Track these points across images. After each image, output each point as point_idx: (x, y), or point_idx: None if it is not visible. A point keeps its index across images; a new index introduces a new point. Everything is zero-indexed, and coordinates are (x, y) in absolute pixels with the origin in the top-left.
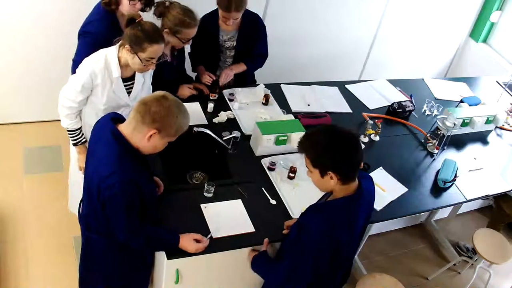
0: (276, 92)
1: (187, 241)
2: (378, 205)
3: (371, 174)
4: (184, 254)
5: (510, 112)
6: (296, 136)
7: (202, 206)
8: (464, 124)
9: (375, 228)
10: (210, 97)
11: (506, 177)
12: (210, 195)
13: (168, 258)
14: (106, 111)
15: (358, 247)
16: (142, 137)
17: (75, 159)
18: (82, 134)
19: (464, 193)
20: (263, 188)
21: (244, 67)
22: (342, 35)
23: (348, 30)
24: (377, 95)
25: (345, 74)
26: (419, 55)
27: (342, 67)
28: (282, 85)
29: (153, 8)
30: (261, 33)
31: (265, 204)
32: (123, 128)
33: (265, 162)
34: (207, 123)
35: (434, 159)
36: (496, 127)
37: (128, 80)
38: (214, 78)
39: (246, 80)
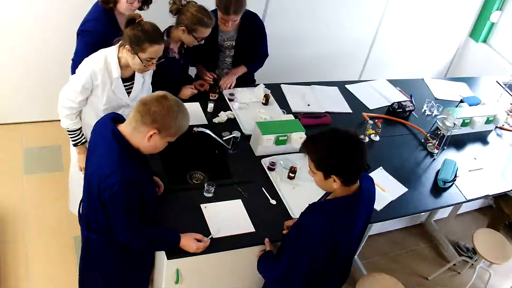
0: (276, 92)
1: (187, 240)
2: (378, 205)
3: (371, 174)
4: (184, 254)
5: (510, 112)
6: (296, 136)
7: (202, 206)
8: (464, 124)
9: (375, 228)
10: (210, 97)
11: (506, 177)
12: (210, 195)
13: (168, 258)
14: (106, 111)
15: (358, 247)
16: (142, 137)
17: (76, 159)
18: (82, 135)
19: (464, 193)
20: (263, 188)
21: (245, 70)
22: (342, 35)
23: (348, 30)
24: (377, 95)
25: (345, 74)
26: (419, 55)
27: (342, 67)
28: (282, 85)
29: (151, 7)
30: (261, 33)
31: (265, 204)
32: (123, 128)
33: (265, 162)
34: (207, 123)
35: (434, 159)
36: (496, 127)
37: (128, 80)
38: (215, 76)
39: (246, 80)
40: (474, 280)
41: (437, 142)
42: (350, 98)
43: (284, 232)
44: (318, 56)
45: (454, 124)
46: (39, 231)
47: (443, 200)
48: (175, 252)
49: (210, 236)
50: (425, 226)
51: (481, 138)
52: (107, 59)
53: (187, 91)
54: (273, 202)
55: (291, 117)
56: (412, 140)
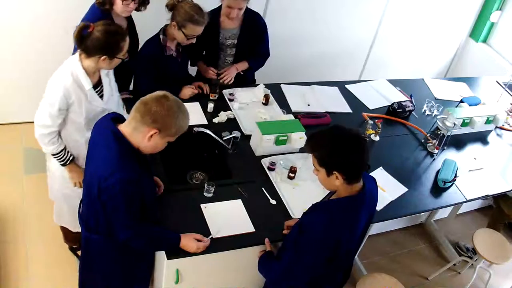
0: (276, 92)
1: (187, 240)
2: (378, 205)
3: (371, 174)
4: (184, 254)
5: (510, 112)
6: (296, 136)
7: (202, 206)
8: (464, 124)
9: (375, 228)
10: (210, 97)
11: (506, 177)
12: (210, 195)
13: (168, 258)
14: (88, 123)
15: (359, 248)
16: (142, 137)
17: (61, 178)
18: (68, 152)
19: (464, 193)
20: (263, 188)
21: (247, 65)
22: (342, 35)
23: (348, 30)
24: (377, 95)
25: (345, 74)
26: (419, 55)
27: (342, 67)
28: (282, 85)
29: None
30: (263, 32)
31: (265, 204)
32: (123, 128)
33: (265, 162)
34: (207, 123)
35: (434, 159)
36: (496, 127)
37: (96, 86)
38: (218, 72)
39: (246, 80)
40: (474, 280)
41: (437, 142)
42: (350, 98)
43: (285, 232)
44: (318, 56)
45: (454, 124)
46: (39, 231)
47: (443, 200)
48: (175, 252)
49: (210, 236)
50: (425, 226)
51: (481, 138)
52: (74, 74)
53: (187, 91)
54: (273, 202)
55: (291, 117)
56: (412, 140)
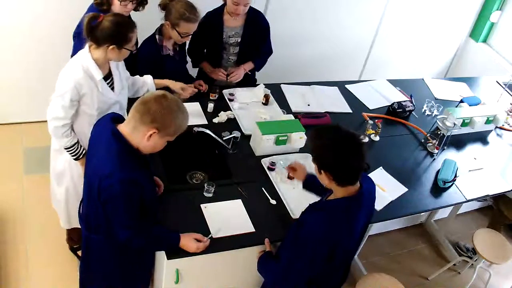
0: (276, 92)
1: (187, 241)
2: (378, 205)
3: (371, 174)
4: (184, 254)
5: (510, 112)
6: (296, 136)
7: (202, 206)
8: (464, 124)
9: (375, 228)
10: (210, 97)
11: (506, 177)
12: (210, 195)
13: (168, 258)
14: (100, 115)
15: (358, 248)
16: (141, 137)
17: (74, 175)
18: (81, 146)
19: (464, 193)
20: (263, 188)
21: (253, 65)
22: (342, 35)
23: (348, 30)
24: (377, 95)
25: (345, 74)
26: (419, 55)
27: (342, 67)
28: (282, 85)
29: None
30: (266, 30)
31: (265, 204)
32: (122, 127)
33: (265, 162)
34: (207, 123)
35: (434, 159)
36: (496, 127)
37: (107, 78)
38: (226, 73)
39: (251, 80)
40: (474, 280)
41: (437, 142)
42: (350, 98)
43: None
44: (318, 56)
45: (454, 124)
46: (39, 231)
47: (443, 200)
48: (175, 252)
49: (209, 236)
50: (425, 226)
51: (481, 138)
52: (84, 65)
53: (188, 90)
54: (273, 202)
55: (291, 117)
56: (412, 140)
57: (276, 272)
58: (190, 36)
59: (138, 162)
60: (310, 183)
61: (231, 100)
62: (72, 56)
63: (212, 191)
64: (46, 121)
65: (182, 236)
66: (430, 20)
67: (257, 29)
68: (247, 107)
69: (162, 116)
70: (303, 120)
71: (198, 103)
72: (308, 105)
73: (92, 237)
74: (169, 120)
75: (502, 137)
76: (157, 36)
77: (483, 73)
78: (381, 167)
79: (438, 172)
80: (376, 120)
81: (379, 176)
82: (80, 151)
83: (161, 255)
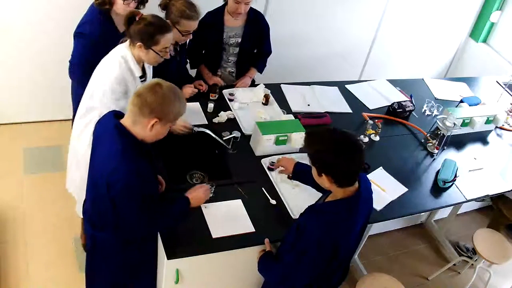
0: (276, 92)
1: (195, 196)
2: (378, 205)
3: (371, 174)
4: (184, 254)
5: (510, 112)
6: (296, 136)
7: (202, 206)
8: (464, 124)
9: (375, 228)
10: (210, 97)
11: (506, 177)
12: (210, 195)
13: (168, 258)
14: None
15: (357, 248)
16: (143, 128)
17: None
18: None
19: (464, 193)
20: (263, 188)
21: (256, 72)
22: (342, 35)
23: (348, 30)
24: (377, 95)
25: (345, 74)
26: (419, 55)
27: (342, 67)
28: (282, 85)
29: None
30: (266, 30)
31: (265, 204)
32: (124, 122)
33: (265, 162)
34: (207, 123)
35: (434, 159)
36: (496, 127)
37: (142, 77)
38: (222, 84)
39: (253, 82)
40: (474, 280)
41: (437, 142)
42: (350, 98)
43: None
44: (318, 56)
45: (454, 124)
46: (39, 231)
47: (443, 200)
48: (175, 252)
49: (213, 187)
50: (425, 226)
51: (481, 138)
52: (127, 60)
53: (187, 90)
54: (273, 202)
55: (291, 117)
56: (412, 140)
57: (277, 274)
58: (191, 35)
59: (142, 155)
60: (298, 172)
61: (231, 100)
62: (72, 56)
63: (212, 191)
64: (46, 121)
65: (189, 195)
66: (430, 20)
67: (257, 29)
68: (247, 107)
69: (160, 106)
70: (303, 120)
71: (198, 103)
72: (308, 105)
73: (97, 235)
74: (167, 108)
75: (502, 137)
76: None
77: (483, 73)
78: (381, 167)
79: (438, 172)
80: (376, 120)
81: (379, 176)
82: None
83: (161, 255)
